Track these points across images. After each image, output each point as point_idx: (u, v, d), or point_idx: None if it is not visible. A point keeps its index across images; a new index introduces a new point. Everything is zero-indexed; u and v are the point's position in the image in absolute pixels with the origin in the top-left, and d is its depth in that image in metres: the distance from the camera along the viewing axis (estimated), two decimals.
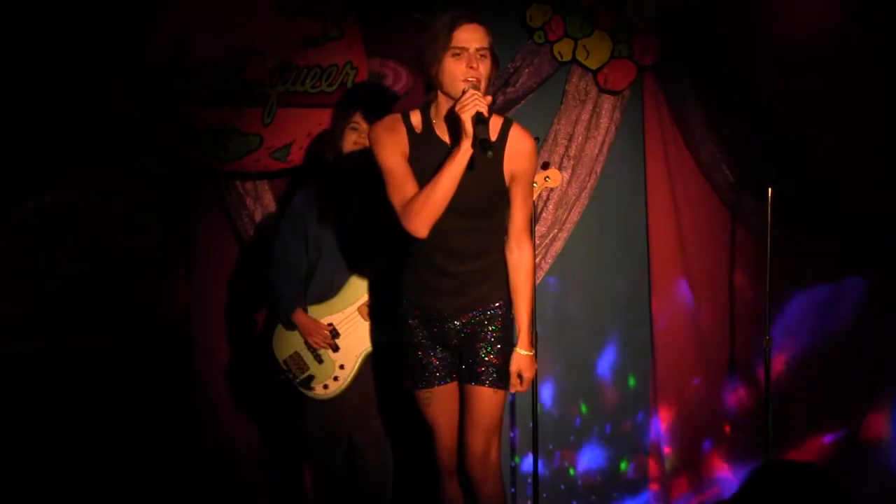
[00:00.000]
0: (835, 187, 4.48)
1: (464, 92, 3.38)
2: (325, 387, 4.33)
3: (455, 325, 3.67)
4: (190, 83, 4.79)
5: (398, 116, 3.62)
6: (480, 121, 3.34)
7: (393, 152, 3.52)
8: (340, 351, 4.31)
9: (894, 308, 4.50)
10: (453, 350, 3.73)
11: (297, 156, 4.83)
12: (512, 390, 3.70)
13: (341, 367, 4.31)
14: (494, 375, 3.65)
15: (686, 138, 4.75)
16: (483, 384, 3.65)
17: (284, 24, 4.81)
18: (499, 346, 3.67)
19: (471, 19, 3.46)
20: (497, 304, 3.67)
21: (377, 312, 4.32)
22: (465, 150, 3.39)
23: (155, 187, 5.23)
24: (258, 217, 4.95)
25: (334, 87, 4.81)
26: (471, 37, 3.43)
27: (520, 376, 3.67)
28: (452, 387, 3.76)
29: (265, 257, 4.61)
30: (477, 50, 3.44)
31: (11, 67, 4.84)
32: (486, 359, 3.65)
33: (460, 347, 3.71)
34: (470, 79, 3.41)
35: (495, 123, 3.53)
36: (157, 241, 5.32)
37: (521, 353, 3.66)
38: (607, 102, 4.79)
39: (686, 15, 4.61)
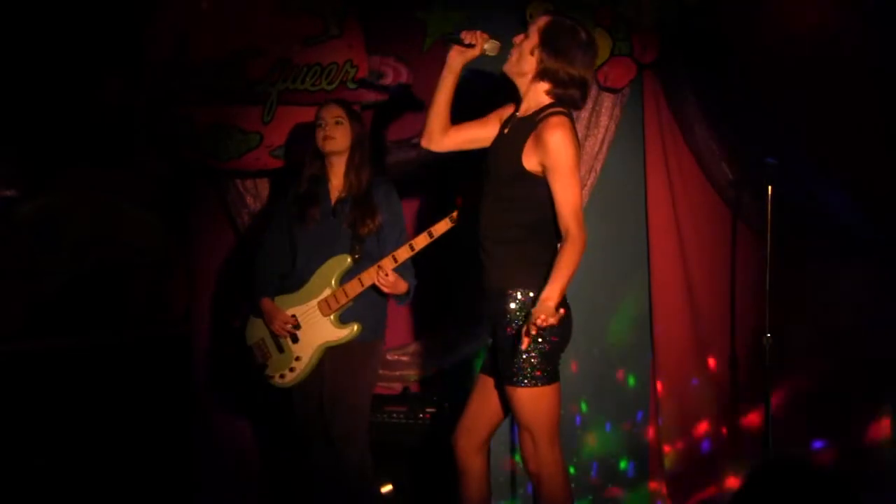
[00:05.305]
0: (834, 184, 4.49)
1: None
2: (282, 376, 4.37)
3: (485, 304, 3.71)
4: (190, 81, 4.81)
5: None
6: (459, 41, 3.79)
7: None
8: (299, 342, 4.35)
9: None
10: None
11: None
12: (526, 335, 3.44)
13: (297, 358, 4.36)
14: (520, 374, 3.59)
15: (686, 136, 4.74)
16: (511, 383, 3.62)
17: (285, 23, 4.83)
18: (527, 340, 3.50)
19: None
20: (517, 291, 3.60)
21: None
22: (452, 57, 3.83)
23: (155, 186, 5.24)
24: None
25: (334, 86, 4.82)
26: None
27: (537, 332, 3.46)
28: (489, 381, 3.78)
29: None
30: None
31: (13, 66, 4.86)
32: (514, 356, 3.57)
33: (490, 334, 3.74)
34: None
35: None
36: (158, 240, 5.32)
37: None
38: (607, 100, 4.79)
39: (686, 13, 4.61)
